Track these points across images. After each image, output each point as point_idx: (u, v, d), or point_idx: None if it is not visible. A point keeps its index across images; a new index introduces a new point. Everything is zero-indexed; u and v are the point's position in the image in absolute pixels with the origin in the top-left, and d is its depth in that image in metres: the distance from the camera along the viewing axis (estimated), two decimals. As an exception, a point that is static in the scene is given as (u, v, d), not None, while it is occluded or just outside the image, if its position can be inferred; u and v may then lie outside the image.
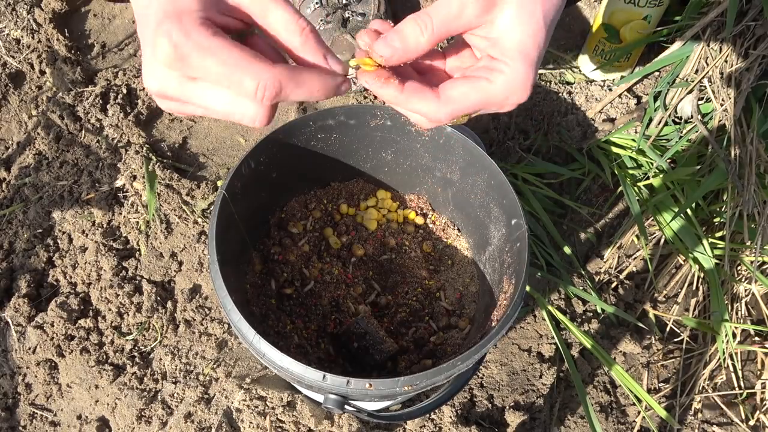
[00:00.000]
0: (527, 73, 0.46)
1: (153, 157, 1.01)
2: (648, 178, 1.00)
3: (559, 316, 0.92)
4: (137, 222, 0.99)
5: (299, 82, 0.43)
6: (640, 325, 0.96)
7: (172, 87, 0.43)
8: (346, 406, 0.59)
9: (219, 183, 1.02)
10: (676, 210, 0.94)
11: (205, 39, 0.40)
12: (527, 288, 0.90)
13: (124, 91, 1.09)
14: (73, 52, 1.13)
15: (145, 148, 1.02)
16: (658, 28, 0.99)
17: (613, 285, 1.01)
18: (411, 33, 0.49)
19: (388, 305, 0.77)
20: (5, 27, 1.14)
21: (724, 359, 0.93)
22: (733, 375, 0.95)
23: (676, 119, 1.01)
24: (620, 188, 1.00)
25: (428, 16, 0.48)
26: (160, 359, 0.90)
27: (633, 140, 1.01)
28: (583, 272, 0.99)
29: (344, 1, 1.05)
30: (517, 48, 0.46)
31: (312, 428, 0.82)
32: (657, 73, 1.03)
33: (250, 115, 0.43)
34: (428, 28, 0.48)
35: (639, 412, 0.91)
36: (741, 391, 0.95)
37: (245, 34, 0.47)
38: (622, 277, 1.01)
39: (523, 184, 1.01)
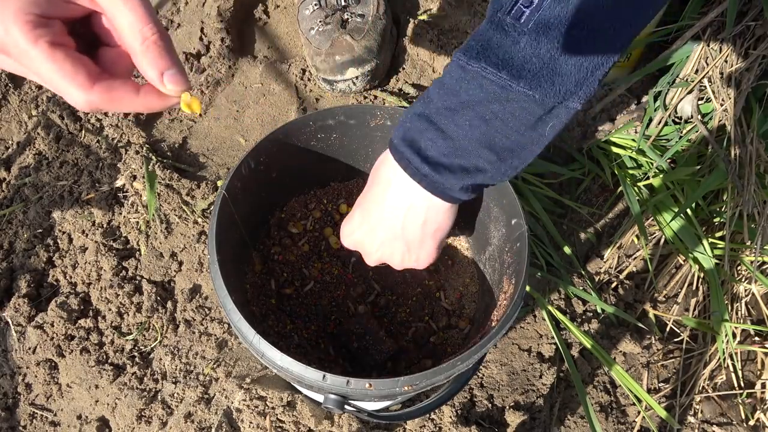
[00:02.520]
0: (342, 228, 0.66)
1: (153, 157, 1.01)
2: (648, 178, 1.00)
3: (559, 316, 0.92)
4: (137, 222, 0.99)
5: (119, 103, 0.43)
6: (640, 325, 0.96)
7: (2, 63, 0.42)
8: (346, 406, 0.59)
9: (219, 183, 1.02)
10: (676, 210, 0.94)
11: (23, 41, 0.39)
12: (527, 288, 0.90)
13: (124, 91, 1.09)
14: (73, 52, 1.13)
15: (145, 148, 1.02)
16: (658, 28, 0.99)
17: (613, 285, 1.01)
18: None
19: (388, 305, 0.77)
20: (5, 27, 1.14)
21: (724, 359, 0.93)
22: (733, 375, 0.95)
23: (676, 119, 1.01)
24: (620, 188, 1.00)
25: None
26: (160, 359, 0.90)
27: (633, 140, 1.01)
28: (583, 272, 0.99)
29: (343, 3, 1.05)
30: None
31: (312, 428, 0.82)
32: (657, 73, 1.03)
33: (79, 106, 0.43)
34: None
35: (639, 412, 0.91)
36: (741, 391, 0.95)
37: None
38: (622, 277, 1.01)
39: (523, 184, 1.01)
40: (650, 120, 1.01)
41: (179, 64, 0.43)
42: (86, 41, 0.45)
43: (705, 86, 0.95)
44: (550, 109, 0.48)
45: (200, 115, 0.49)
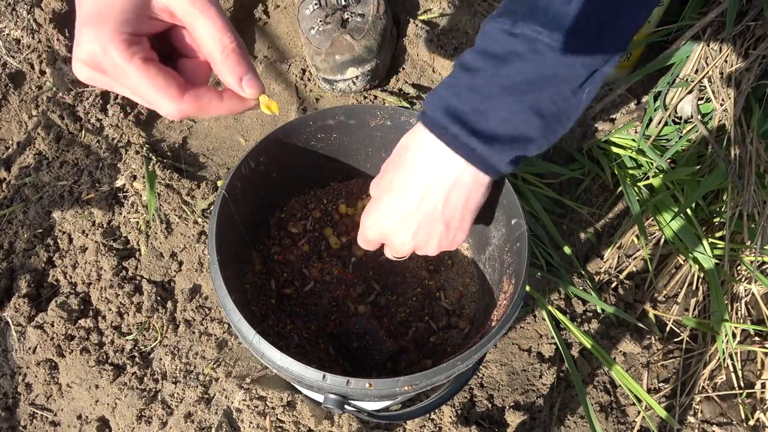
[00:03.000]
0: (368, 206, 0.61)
1: (153, 157, 1.01)
2: (648, 178, 1.00)
3: (559, 316, 0.92)
4: (137, 222, 0.99)
5: (206, 109, 0.46)
6: (640, 325, 0.96)
7: (95, 80, 0.45)
8: (346, 406, 0.59)
9: (219, 183, 1.02)
10: (676, 210, 0.94)
11: (120, 59, 0.42)
12: (527, 288, 0.90)
13: (124, 91, 1.09)
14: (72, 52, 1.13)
15: (145, 148, 1.02)
16: (658, 28, 0.99)
17: (613, 285, 1.01)
18: None
19: (388, 305, 0.77)
20: (5, 27, 1.14)
21: (724, 359, 0.93)
22: (733, 375, 0.95)
23: (676, 119, 1.01)
24: (620, 188, 1.00)
25: None
26: (160, 359, 0.90)
27: (633, 140, 1.01)
28: (583, 272, 0.99)
29: (343, 2, 1.05)
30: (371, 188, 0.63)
31: (312, 428, 0.82)
32: (657, 73, 1.03)
33: (170, 116, 0.45)
34: None
35: (639, 412, 0.91)
36: (741, 391, 0.95)
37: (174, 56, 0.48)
38: (622, 277, 1.01)
39: (523, 184, 1.01)
40: (650, 120, 1.00)
41: (254, 70, 0.47)
42: (163, 54, 0.47)
43: (705, 86, 0.95)
44: (591, 73, 0.48)
45: (277, 114, 0.54)
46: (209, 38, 0.44)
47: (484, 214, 0.73)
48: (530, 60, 0.47)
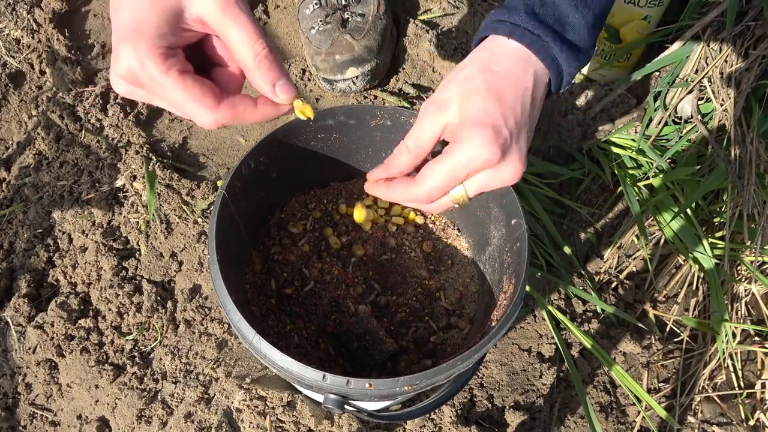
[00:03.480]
0: (486, 135, 0.49)
1: (153, 157, 1.01)
2: (648, 178, 1.00)
3: (559, 316, 0.92)
4: (137, 222, 0.99)
5: (242, 117, 0.47)
6: (640, 325, 0.96)
7: (132, 94, 0.46)
8: (346, 406, 0.59)
9: (219, 183, 1.02)
10: (676, 210, 0.94)
11: (157, 73, 0.43)
12: (527, 288, 0.90)
13: (124, 91, 1.09)
14: (73, 52, 1.13)
15: (145, 148, 1.02)
16: (658, 28, 0.99)
17: (613, 285, 1.01)
18: (396, 157, 0.55)
19: (388, 305, 0.77)
20: (5, 27, 1.14)
21: (724, 359, 0.93)
22: (733, 375, 0.95)
23: (676, 119, 1.01)
24: (620, 188, 1.00)
25: (404, 143, 0.54)
26: (160, 359, 0.90)
27: (633, 140, 1.01)
28: (583, 272, 0.99)
29: (344, 2, 1.05)
30: (469, 121, 0.49)
31: (312, 428, 0.82)
32: (657, 73, 1.03)
33: (207, 125, 0.46)
34: (407, 152, 0.54)
35: (639, 412, 0.91)
36: (741, 391, 0.95)
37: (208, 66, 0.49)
38: (622, 277, 1.01)
39: (523, 184, 1.01)
40: (650, 120, 1.00)
41: (287, 75, 0.47)
42: (198, 64, 0.48)
43: (705, 86, 0.95)
44: None
45: (312, 120, 0.54)
46: (241, 46, 0.44)
47: (485, 214, 0.73)
48: None
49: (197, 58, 0.49)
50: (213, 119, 0.45)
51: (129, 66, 0.43)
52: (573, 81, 0.51)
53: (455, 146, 0.50)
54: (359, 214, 0.74)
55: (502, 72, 0.51)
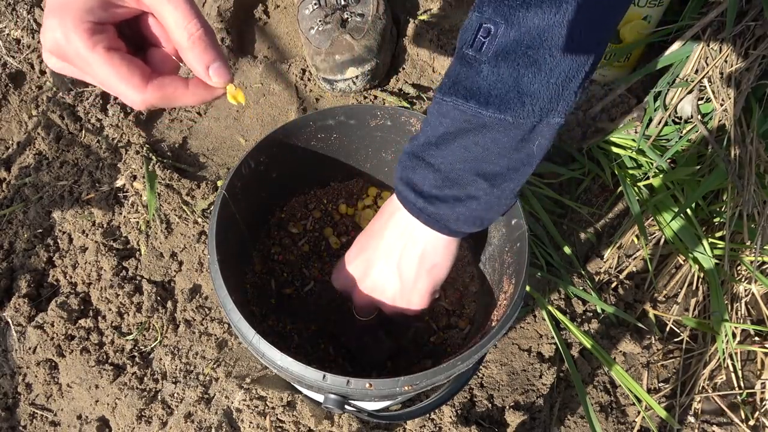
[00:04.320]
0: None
1: (153, 157, 1.01)
2: (648, 178, 1.00)
3: (559, 316, 0.92)
4: (137, 222, 0.99)
5: (171, 99, 0.46)
6: (640, 325, 0.96)
7: (63, 69, 0.45)
8: (346, 406, 0.59)
9: (219, 183, 1.02)
10: (676, 210, 0.94)
11: (83, 48, 0.42)
12: (527, 288, 0.89)
13: (124, 91, 1.09)
14: (73, 52, 1.13)
15: (145, 148, 1.02)
16: (658, 28, 0.99)
17: (613, 285, 1.01)
18: None
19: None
20: (5, 27, 1.14)
21: (724, 359, 0.93)
22: (733, 375, 0.95)
23: (676, 119, 1.01)
24: (620, 188, 1.00)
25: None
26: (160, 359, 0.90)
27: (633, 140, 1.01)
28: (583, 272, 0.99)
29: (343, 2, 1.05)
30: None
31: (312, 428, 0.82)
32: (657, 73, 1.03)
33: (135, 105, 0.45)
34: None
35: (639, 412, 0.91)
36: (741, 391, 0.95)
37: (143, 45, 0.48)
38: (622, 277, 1.01)
39: (524, 184, 1.01)
40: (650, 120, 1.00)
41: (223, 58, 0.46)
42: (134, 43, 0.47)
43: (705, 86, 0.95)
44: (530, 129, 0.49)
45: (245, 105, 0.53)
46: (175, 25, 0.43)
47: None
48: (456, 127, 0.50)
49: (136, 36, 0.47)
50: (140, 99, 0.44)
51: (55, 39, 0.42)
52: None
53: None
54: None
55: (383, 213, 0.61)
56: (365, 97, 1.08)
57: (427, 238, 0.57)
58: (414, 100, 1.07)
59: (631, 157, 1.02)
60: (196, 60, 0.45)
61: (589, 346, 0.90)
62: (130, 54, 0.45)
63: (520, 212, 0.64)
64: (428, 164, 0.53)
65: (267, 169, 0.71)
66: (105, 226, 0.98)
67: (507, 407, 0.88)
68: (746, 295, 0.96)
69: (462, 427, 0.84)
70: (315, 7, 1.05)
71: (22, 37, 1.13)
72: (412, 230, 0.57)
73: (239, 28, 1.15)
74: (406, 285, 0.60)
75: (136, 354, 0.91)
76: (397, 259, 0.59)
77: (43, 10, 1.13)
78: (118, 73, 0.43)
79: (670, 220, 0.94)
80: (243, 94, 0.48)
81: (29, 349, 0.91)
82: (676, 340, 0.99)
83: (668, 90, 0.98)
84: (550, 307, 0.93)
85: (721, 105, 0.92)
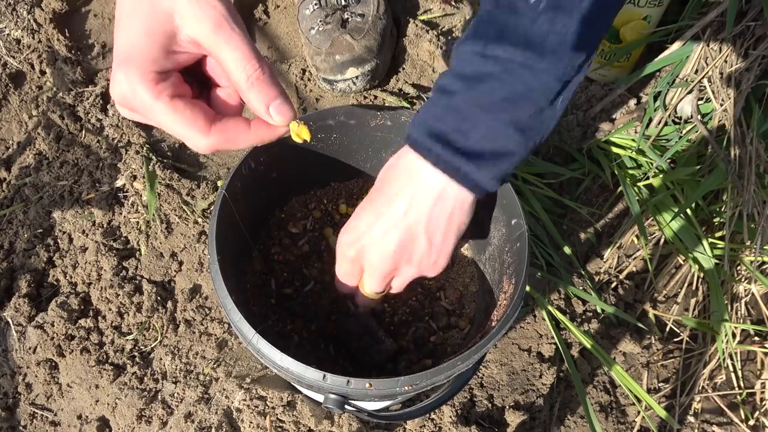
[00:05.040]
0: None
1: (153, 157, 1.01)
2: (648, 178, 1.00)
3: (559, 316, 0.92)
4: (137, 222, 0.99)
5: (234, 141, 0.46)
6: (640, 325, 0.96)
7: (133, 117, 0.47)
8: (346, 406, 0.59)
9: (219, 183, 1.02)
10: (676, 210, 0.94)
11: (148, 98, 0.43)
12: (527, 288, 0.90)
13: (124, 91, 1.09)
14: (73, 52, 1.13)
15: (145, 148, 1.02)
16: (658, 28, 0.99)
17: (613, 285, 1.01)
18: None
19: (388, 305, 0.77)
20: (5, 27, 1.14)
21: (724, 359, 0.93)
22: (732, 375, 0.95)
23: (676, 119, 1.01)
24: (620, 188, 1.00)
25: None
26: (160, 359, 0.90)
27: (633, 140, 1.01)
28: (583, 272, 0.99)
29: (343, 2, 1.05)
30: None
31: (312, 428, 0.82)
32: (657, 73, 1.03)
33: (201, 150, 0.46)
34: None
35: (639, 412, 0.91)
36: (741, 391, 0.95)
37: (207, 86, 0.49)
38: (622, 277, 1.01)
39: (523, 184, 1.01)
40: (650, 120, 1.00)
41: (284, 95, 0.46)
42: (201, 83, 0.48)
43: (705, 86, 0.95)
44: (566, 83, 0.50)
45: (310, 142, 0.53)
46: (234, 67, 0.44)
47: (485, 214, 0.73)
48: (503, 80, 0.49)
49: (198, 79, 0.48)
50: (204, 143, 0.45)
51: (122, 93, 0.43)
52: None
53: None
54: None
55: (393, 175, 0.56)
56: (365, 97, 1.08)
57: (458, 195, 0.54)
58: (414, 100, 1.07)
59: (631, 157, 1.02)
60: (256, 100, 0.45)
61: (589, 346, 0.90)
62: (196, 97, 0.46)
63: (520, 212, 0.64)
64: (468, 120, 0.50)
65: (267, 169, 0.71)
66: (105, 226, 0.98)
67: (507, 407, 0.88)
68: (746, 295, 0.96)
69: (462, 427, 0.84)
70: (315, 7, 1.05)
71: (22, 37, 1.13)
72: (443, 188, 0.53)
73: (239, 28, 1.15)
74: (435, 247, 0.57)
75: (136, 354, 0.91)
76: (425, 221, 0.55)
77: (43, 10, 1.14)
78: (182, 119, 0.44)
79: (670, 220, 0.94)
80: (307, 130, 0.48)
81: (29, 349, 0.91)
82: (676, 340, 0.99)
83: (668, 90, 0.98)
84: (550, 307, 0.93)
85: (721, 105, 0.92)
